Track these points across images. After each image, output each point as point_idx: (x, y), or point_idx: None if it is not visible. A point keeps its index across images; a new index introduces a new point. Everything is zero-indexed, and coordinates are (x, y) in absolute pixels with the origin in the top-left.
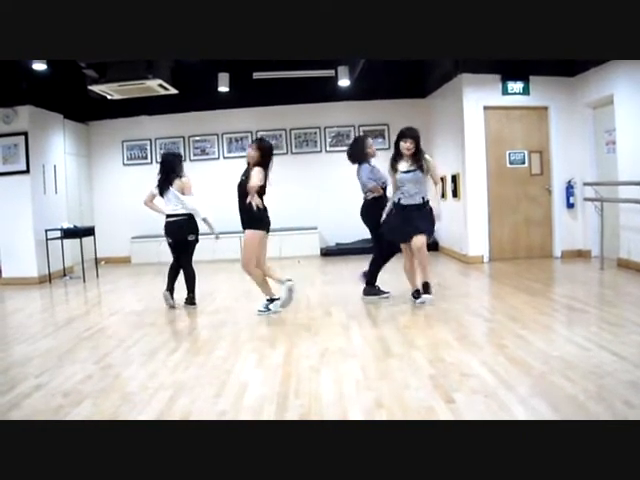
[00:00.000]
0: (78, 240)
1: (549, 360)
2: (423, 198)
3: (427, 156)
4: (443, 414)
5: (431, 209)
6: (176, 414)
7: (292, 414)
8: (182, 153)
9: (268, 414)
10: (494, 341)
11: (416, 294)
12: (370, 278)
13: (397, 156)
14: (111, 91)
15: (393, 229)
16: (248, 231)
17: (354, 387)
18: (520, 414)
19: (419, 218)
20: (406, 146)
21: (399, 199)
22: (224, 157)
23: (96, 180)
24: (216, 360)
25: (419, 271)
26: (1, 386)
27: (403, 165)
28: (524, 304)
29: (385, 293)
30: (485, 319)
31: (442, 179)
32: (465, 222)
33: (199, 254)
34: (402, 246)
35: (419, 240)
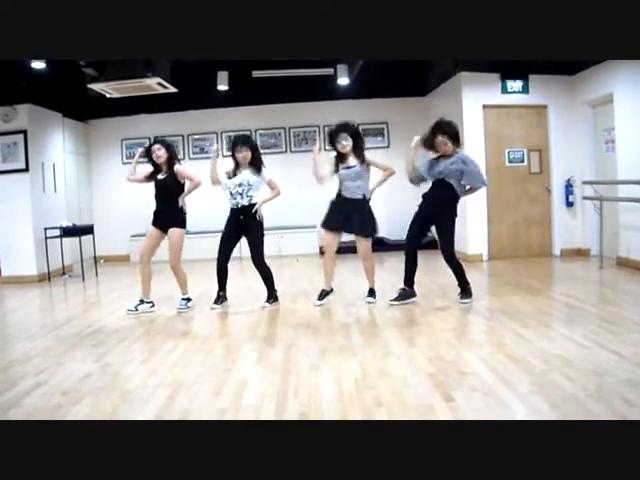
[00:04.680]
0: (77, 238)
1: (548, 358)
2: (364, 195)
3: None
4: (443, 412)
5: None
6: (175, 412)
7: (292, 412)
8: (181, 151)
9: (268, 413)
10: (493, 339)
11: (323, 295)
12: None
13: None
14: (110, 89)
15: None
16: (175, 229)
17: (354, 385)
18: (519, 412)
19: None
20: (341, 145)
21: (340, 191)
22: (223, 155)
23: (95, 178)
24: (216, 358)
25: (369, 275)
26: (1, 384)
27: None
28: (523, 302)
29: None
30: (484, 317)
31: None
32: (464, 220)
33: (199, 253)
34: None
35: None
